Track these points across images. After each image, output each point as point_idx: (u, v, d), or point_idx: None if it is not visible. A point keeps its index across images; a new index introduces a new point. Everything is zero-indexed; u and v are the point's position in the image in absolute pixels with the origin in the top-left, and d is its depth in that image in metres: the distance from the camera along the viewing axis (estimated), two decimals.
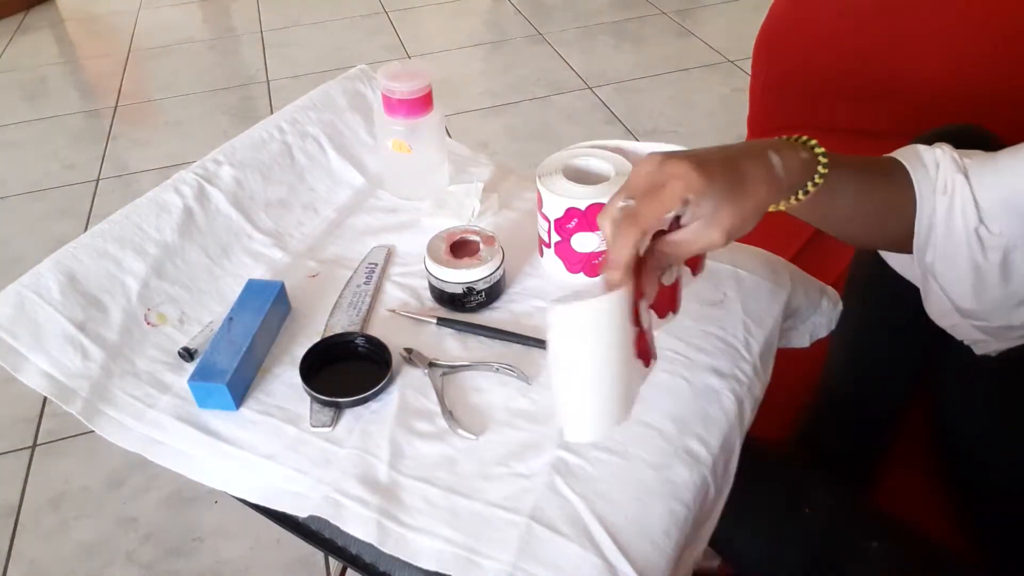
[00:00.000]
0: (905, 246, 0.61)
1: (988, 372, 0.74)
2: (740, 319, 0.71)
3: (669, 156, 0.49)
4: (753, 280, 0.75)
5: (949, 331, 0.66)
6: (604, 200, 0.67)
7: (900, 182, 0.59)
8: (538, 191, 0.71)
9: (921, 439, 0.85)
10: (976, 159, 0.59)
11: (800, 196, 0.53)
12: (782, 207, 0.55)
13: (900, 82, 1.17)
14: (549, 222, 0.71)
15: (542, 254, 0.76)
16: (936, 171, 0.58)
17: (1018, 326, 0.61)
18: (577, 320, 0.44)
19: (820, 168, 0.53)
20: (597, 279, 0.49)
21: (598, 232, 0.70)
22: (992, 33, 1.10)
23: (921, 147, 0.60)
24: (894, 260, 0.74)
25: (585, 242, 0.71)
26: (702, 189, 0.47)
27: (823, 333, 0.81)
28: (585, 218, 0.69)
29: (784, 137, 0.54)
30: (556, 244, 0.73)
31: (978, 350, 0.67)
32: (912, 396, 0.87)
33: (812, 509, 0.70)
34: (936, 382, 0.82)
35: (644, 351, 0.50)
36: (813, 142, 0.55)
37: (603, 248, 0.72)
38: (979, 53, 1.11)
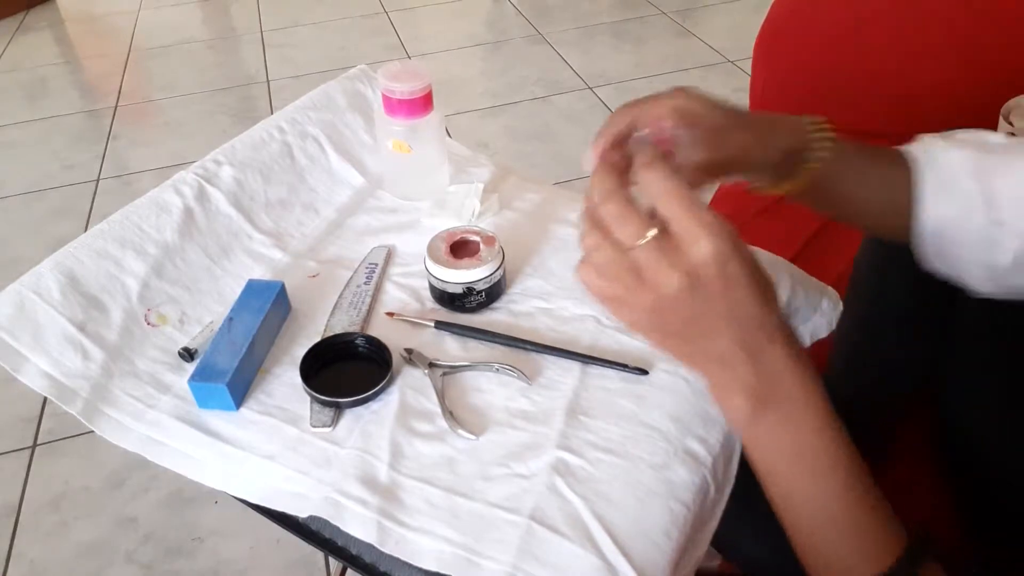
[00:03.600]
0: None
1: (993, 370, 0.74)
2: None
3: (689, 109, 0.56)
4: None
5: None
6: None
7: (903, 181, 0.58)
8: None
9: (924, 437, 0.85)
10: (1000, 153, 0.56)
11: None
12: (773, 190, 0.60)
13: (901, 82, 1.17)
14: None
15: None
16: (951, 172, 0.56)
17: None
18: None
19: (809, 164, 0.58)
20: None
21: None
22: (997, 32, 1.10)
23: (939, 144, 0.58)
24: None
25: None
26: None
27: (823, 333, 0.81)
28: None
29: (804, 119, 0.59)
30: None
31: None
32: (916, 394, 0.87)
33: None
34: (940, 380, 0.82)
35: None
36: (818, 133, 0.58)
37: None
38: (983, 52, 1.11)
